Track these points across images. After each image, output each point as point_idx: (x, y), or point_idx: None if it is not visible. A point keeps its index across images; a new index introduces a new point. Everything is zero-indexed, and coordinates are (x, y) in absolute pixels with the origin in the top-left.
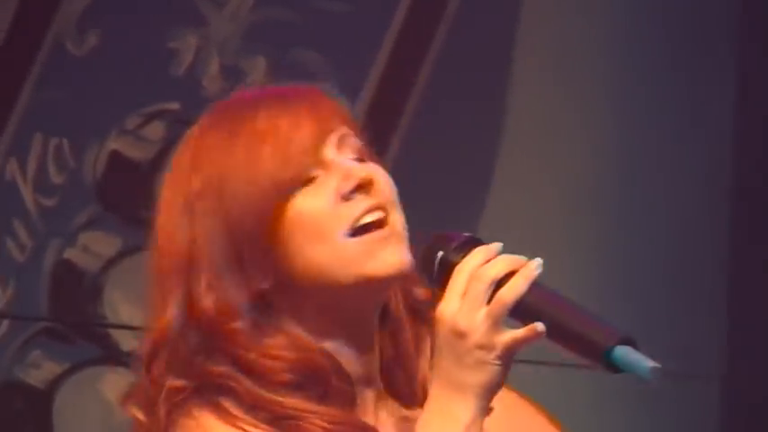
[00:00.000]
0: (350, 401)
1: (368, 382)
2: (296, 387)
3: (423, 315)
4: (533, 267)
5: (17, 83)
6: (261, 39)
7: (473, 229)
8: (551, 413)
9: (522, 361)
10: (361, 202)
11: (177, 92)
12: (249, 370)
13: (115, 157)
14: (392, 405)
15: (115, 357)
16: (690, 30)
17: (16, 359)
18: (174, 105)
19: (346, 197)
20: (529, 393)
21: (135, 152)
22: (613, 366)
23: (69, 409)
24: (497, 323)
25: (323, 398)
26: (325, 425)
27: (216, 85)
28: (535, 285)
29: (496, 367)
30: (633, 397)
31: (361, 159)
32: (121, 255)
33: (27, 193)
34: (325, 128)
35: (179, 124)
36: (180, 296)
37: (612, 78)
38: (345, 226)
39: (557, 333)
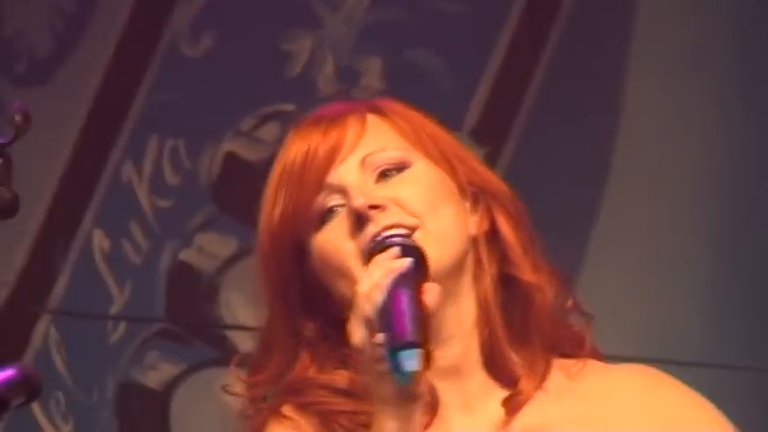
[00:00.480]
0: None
1: (450, 375)
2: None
3: (524, 295)
4: (388, 275)
5: (133, 85)
6: (376, 39)
7: (590, 223)
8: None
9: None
10: (369, 231)
11: (292, 93)
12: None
13: (230, 158)
14: (500, 394)
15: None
16: None
17: (133, 361)
18: (290, 106)
19: (353, 232)
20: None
21: (250, 153)
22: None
23: (186, 410)
24: (375, 334)
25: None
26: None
27: (331, 86)
28: (395, 289)
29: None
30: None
31: (397, 168)
32: (237, 256)
33: (143, 195)
34: (337, 153)
35: (294, 125)
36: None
37: (743, 71)
38: (359, 258)
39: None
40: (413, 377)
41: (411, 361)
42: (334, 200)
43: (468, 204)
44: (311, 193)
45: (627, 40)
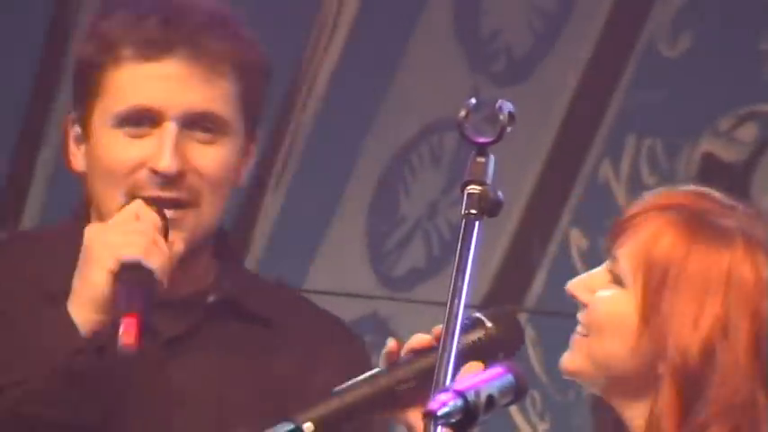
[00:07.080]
0: None
1: None
2: None
3: None
4: None
5: (611, 84)
6: None
7: None
8: None
9: None
10: None
11: None
12: None
13: (708, 158)
14: None
15: None
16: None
17: None
18: (766, 107)
19: None
20: None
21: (728, 154)
22: None
23: None
24: None
25: None
26: None
27: None
28: None
29: None
30: None
31: None
32: None
33: (620, 195)
34: None
35: None
36: None
37: None
38: None
39: None
40: None
41: None
42: None
43: None
44: None
45: None
